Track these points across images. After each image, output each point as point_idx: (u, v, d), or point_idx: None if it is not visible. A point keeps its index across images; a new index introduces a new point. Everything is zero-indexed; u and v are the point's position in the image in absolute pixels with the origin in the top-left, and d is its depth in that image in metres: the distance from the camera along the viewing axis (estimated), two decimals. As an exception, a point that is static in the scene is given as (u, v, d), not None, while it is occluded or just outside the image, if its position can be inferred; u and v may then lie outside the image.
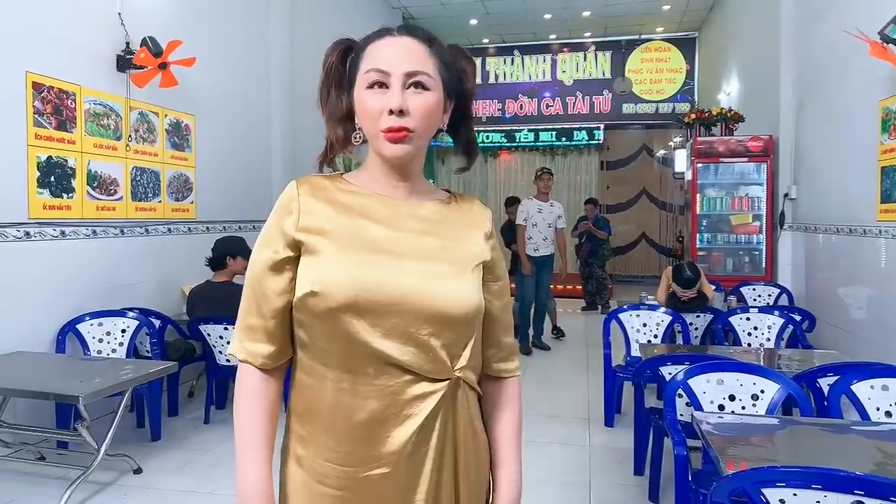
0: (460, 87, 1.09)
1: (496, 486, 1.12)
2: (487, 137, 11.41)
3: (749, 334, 3.90)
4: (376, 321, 0.97)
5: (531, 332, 6.24)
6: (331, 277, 0.97)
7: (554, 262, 6.36)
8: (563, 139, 11.26)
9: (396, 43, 1.02)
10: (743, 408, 2.45)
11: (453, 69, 1.07)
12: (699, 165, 6.54)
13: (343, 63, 1.08)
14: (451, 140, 1.15)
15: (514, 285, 6.05)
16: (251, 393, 1.05)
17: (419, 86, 1.00)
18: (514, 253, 6.46)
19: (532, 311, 6.26)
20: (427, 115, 1.01)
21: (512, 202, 7.46)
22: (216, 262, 4.19)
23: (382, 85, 1.00)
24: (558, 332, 6.77)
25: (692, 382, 2.49)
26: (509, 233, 6.92)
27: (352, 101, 1.06)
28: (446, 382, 1.02)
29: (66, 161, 3.81)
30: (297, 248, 1.01)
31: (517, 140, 11.45)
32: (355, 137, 1.07)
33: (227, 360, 3.99)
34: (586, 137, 11.16)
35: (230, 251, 4.21)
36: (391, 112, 0.98)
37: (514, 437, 1.14)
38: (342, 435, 1.00)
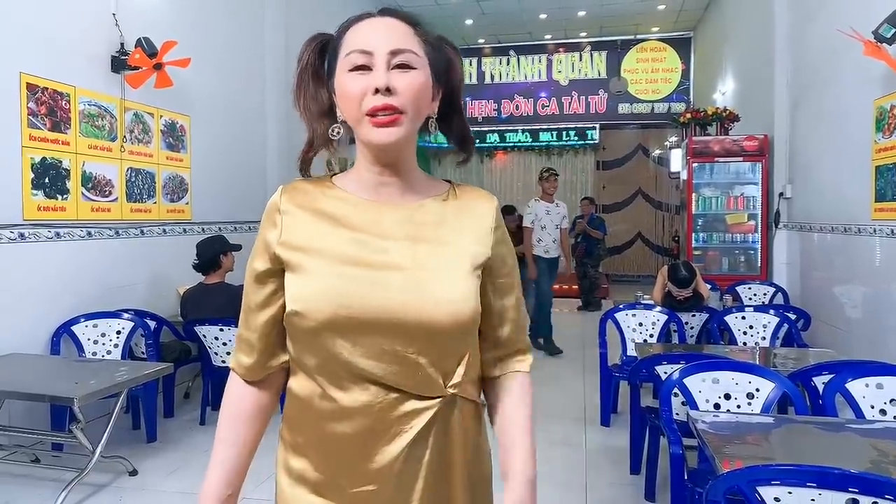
0: (448, 78, 1.03)
1: (509, 466, 1.04)
2: (483, 138, 11.42)
3: (744, 333, 3.91)
4: (357, 340, 0.93)
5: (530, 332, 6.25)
6: (310, 296, 0.94)
7: (559, 263, 6.39)
8: (559, 139, 11.27)
9: (378, 22, 0.97)
10: (738, 406, 2.45)
11: (441, 55, 1.01)
12: (695, 165, 6.55)
13: (320, 58, 1.02)
14: (443, 140, 1.10)
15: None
16: (232, 399, 1.06)
17: (405, 66, 0.93)
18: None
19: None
20: (416, 94, 0.93)
21: (510, 211, 7.35)
22: (209, 264, 4.16)
23: (365, 67, 0.93)
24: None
25: (688, 381, 2.49)
26: None
27: (331, 96, 1.01)
28: (439, 399, 0.96)
29: (61, 162, 3.80)
30: (280, 261, 0.98)
31: (513, 140, 11.46)
32: (334, 132, 1.00)
33: (223, 362, 3.98)
34: (582, 137, 11.18)
35: (220, 249, 4.20)
36: (376, 91, 0.91)
37: (525, 421, 1.06)
38: (331, 451, 0.97)
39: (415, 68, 0.94)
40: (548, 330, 6.22)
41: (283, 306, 0.98)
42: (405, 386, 0.94)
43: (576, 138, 11.21)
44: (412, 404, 0.95)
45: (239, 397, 1.06)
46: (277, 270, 0.99)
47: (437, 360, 0.96)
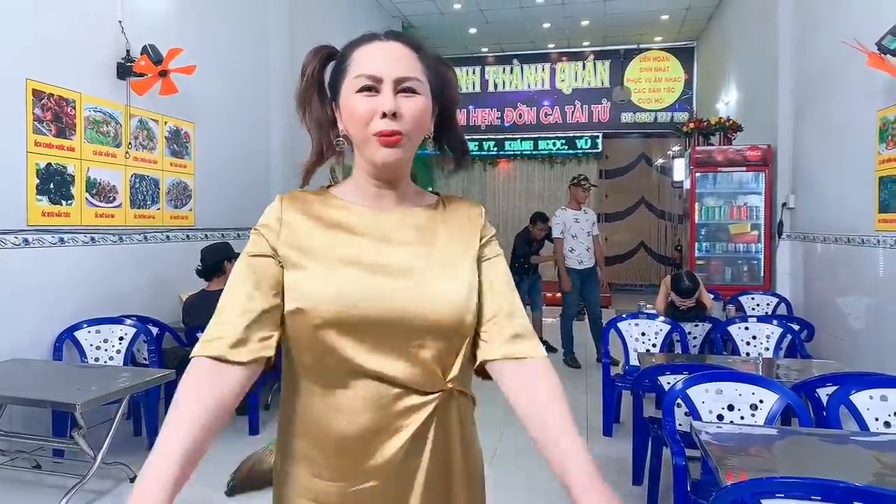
0: (445, 96, 1.08)
1: (568, 455, 0.96)
2: (486, 146, 11.44)
3: (748, 344, 3.90)
4: (363, 337, 0.95)
5: (569, 347, 6.20)
6: (314, 295, 0.95)
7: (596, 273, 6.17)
8: (562, 148, 11.29)
9: (385, 48, 1.01)
10: (742, 418, 2.44)
11: (439, 75, 1.06)
12: (697, 174, 6.55)
13: (323, 71, 1.07)
14: (436, 148, 1.13)
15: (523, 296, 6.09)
16: (196, 379, 0.92)
17: (409, 90, 0.99)
18: (526, 266, 6.49)
19: (588, 324, 6.23)
20: (418, 119, 1.00)
21: (544, 219, 6.52)
22: (212, 270, 4.16)
23: (372, 89, 0.98)
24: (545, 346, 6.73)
25: (691, 392, 2.49)
26: (525, 245, 6.53)
27: (334, 109, 1.06)
28: (438, 394, 0.99)
29: (66, 168, 3.81)
30: (278, 256, 0.99)
31: (516, 149, 11.48)
32: (338, 143, 1.06)
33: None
34: (585, 146, 11.19)
35: (225, 255, 4.20)
36: (383, 115, 0.96)
37: (564, 408, 0.96)
38: (331, 450, 0.98)
39: (418, 94, 1.00)
40: (569, 343, 6.17)
41: (276, 297, 0.97)
42: (408, 381, 0.97)
43: (578, 147, 11.22)
44: (413, 399, 0.97)
45: (198, 379, 0.92)
46: (276, 261, 0.99)
47: (438, 356, 0.98)
